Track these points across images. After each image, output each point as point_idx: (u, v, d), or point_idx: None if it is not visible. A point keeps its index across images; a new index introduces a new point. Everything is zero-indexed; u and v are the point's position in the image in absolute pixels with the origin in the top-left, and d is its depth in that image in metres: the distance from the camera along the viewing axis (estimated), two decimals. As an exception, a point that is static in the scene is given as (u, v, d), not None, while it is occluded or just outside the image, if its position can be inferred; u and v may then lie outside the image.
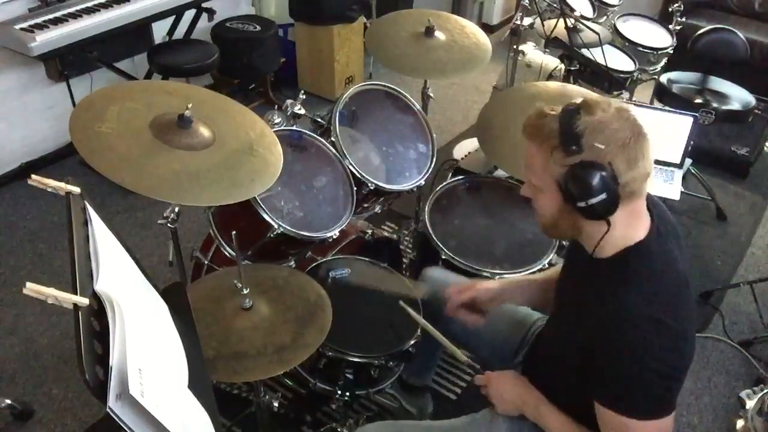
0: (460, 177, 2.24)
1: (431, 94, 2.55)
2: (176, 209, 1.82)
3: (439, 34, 2.33)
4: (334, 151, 1.97)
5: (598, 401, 1.19)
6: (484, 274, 1.88)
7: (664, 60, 3.28)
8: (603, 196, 1.10)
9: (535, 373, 1.45)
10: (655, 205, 1.24)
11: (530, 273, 1.89)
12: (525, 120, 1.20)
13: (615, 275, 1.17)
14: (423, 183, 2.17)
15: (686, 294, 1.19)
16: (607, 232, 1.15)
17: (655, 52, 3.21)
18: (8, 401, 2.08)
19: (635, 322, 1.12)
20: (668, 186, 2.57)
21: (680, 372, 1.17)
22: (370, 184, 1.98)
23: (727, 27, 3.39)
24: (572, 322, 1.26)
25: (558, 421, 1.30)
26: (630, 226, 1.17)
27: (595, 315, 1.17)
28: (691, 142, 2.61)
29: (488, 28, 4.85)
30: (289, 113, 2.03)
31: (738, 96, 3.22)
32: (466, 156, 2.88)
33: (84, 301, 0.83)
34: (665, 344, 1.12)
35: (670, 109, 2.73)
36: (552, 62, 3.10)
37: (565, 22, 2.68)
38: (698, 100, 3.12)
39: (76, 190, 1.06)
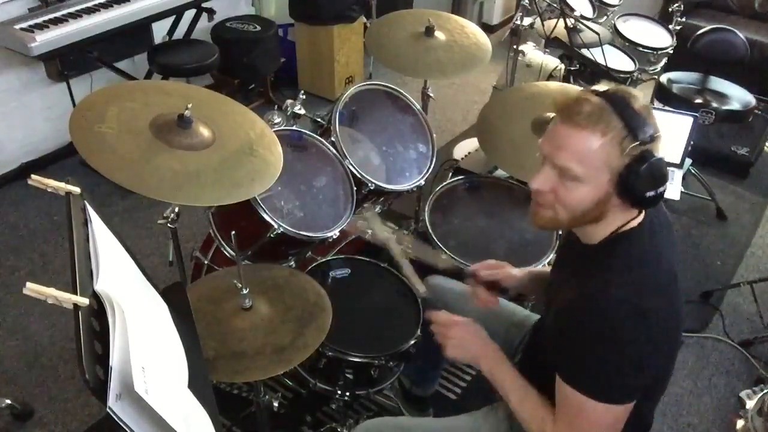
0: (460, 177, 2.24)
1: (431, 94, 2.55)
2: (176, 209, 1.82)
3: (439, 34, 2.33)
4: (334, 151, 1.97)
5: (561, 375, 1.18)
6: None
7: (664, 60, 3.28)
8: (667, 185, 1.10)
9: (530, 370, 1.45)
10: None
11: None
12: (568, 108, 1.10)
13: (603, 259, 1.17)
14: (423, 183, 2.17)
15: (673, 289, 1.18)
16: (635, 218, 1.16)
17: (655, 52, 3.21)
18: (8, 401, 2.08)
19: (615, 304, 1.11)
20: (668, 186, 2.57)
21: (650, 363, 1.15)
22: (370, 184, 1.98)
23: (727, 27, 3.40)
24: (557, 307, 1.26)
25: (514, 381, 1.31)
26: (627, 216, 1.17)
27: (576, 292, 1.17)
28: (691, 142, 2.61)
29: (488, 28, 4.85)
30: (289, 113, 2.03)
31: (738, 96, 3.22)
32: (466, 156, 2.88)
33: (84, 301, 0.83)
34: (640, 330, 1.11)
35: (670, 109, 2.73)
36: (552, 62, 3.10)
37: (565, 22, 2.68)
38: (698, 100, 3.12)
39: (76, 190, 1.06)
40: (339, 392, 1.72)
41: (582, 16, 2.97)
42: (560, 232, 1.96)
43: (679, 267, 1.22)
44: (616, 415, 1.16)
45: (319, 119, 2.08)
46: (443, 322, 1.43)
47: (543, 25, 2.97)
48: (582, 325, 1.14)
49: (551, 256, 1.95)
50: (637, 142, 1.07)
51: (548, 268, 1.67)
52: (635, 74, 3.09)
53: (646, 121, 1.08)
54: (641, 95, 1.12)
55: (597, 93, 1.11)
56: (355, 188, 1.95)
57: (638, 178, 1.08)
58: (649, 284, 1.14)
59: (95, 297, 0.89)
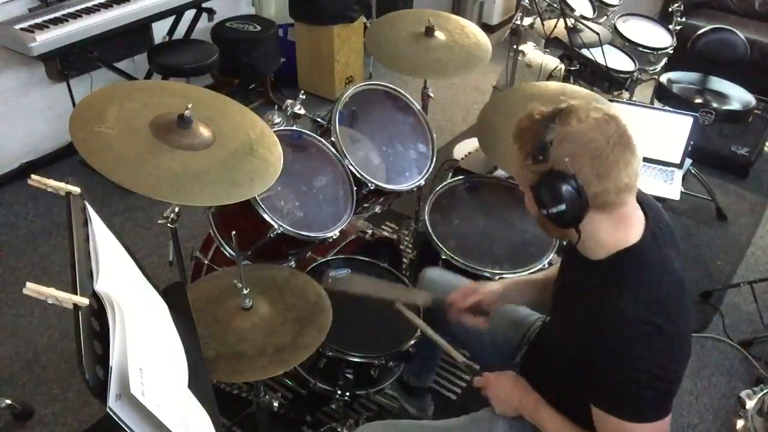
0: (460, 177, 2.24)
1: (431, 94, 2.55)
2: (176, 209, 1.82)
3: (439, 34, 2.33)
4: (334, 151, 1.97)
5: (593, 403, 1.19)
6: (485, 274, 1.88)
7: (664, 60, 3.29)
8: (563, 206, 1.11)
9: (532, 373, 1.45)
10: (650, 206, 1.24)
11: (530, 273, 1.89)
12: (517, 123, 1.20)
13: (609, 278, 1.17)
14: (423, 183, 2.17)
15: (682, 296, 1.19)
16: (578, 240, 1.17)
17: (655, 52, 3.21)
18: (8, 401, 2.08)
19: (628, 325, 1.12)
20: (668, 186, 2.57)
21: (675, 374, 1.16)
22: (370, 184, 1.98)
23: (727, 27, 3.39)
24: (567, 323, 1.27)
25: (556, 423, 1.30)
26: (619, 231, 1.17)
27: (588, 317, 1.18)
28: (691, 142, 2.61)
29: (488, 28, 4.85)
30: (289, 113, 2.03)
31: (738, 96, 3.22)
32: (466, 156, 2.88)
33: (84, 301, 0.83)
34: (658, 347, 1.12)
35: (670, 109, 2.73)
36: (552, 62, 3.10)
37: (565, 22, 2.69)
38: (698, 100, 3.12)
39: (76, 190, 1.06)
40: (339, 392, 1.72)
41: (582, 16, 2.97)
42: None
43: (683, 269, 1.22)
44: (661, 427, 1.17)
45: (319, 119, 2.08)
46: (481, 384, 1.44)
47: (543, 25, 2.98)
48: (601, 351, 1.14)
49: (551, 256, 1.95)
50: (533, 161, 1.13)
51: (533, 276, 1.67)
52: (635, 74, 3.09)
53: (552, 143, 1.10)
54: (588, 116, 1.11)
55: (547, 112, 1.15)
56: (355, 188, 1.95)
57: (537, 194, 1.14)
58: (660, 299, 1.15)
59: (95, 297, 0.89)
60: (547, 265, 1.93)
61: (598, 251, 1.19)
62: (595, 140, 1.10)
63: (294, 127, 1.95)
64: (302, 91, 2.16)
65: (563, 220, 1.14)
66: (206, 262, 2.00)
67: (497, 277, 1.86)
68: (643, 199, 1.22)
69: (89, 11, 2.76)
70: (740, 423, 2.05)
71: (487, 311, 1.58)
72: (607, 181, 1.10)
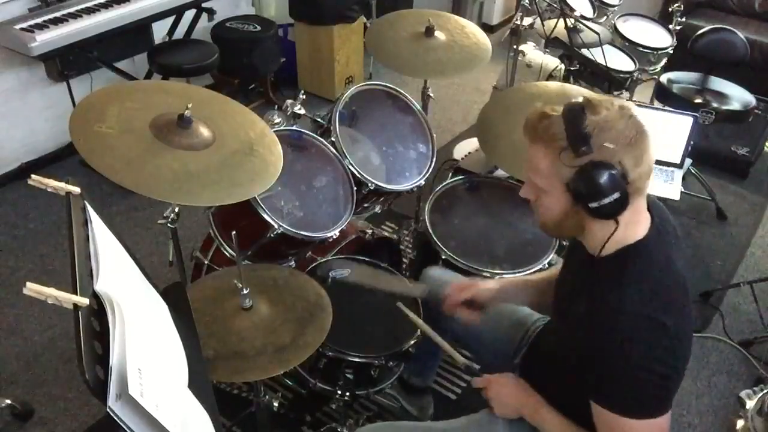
0: (460, 177, 2.24)
1: (431, 94, 2.55)
2: (176, 209, 1.82)
3: (439, 34, 2.33)
4: (334, 151, 1.97)
5: (593, 399, 1.19)
6: (484, 274, 1.88)
7: (664, 60, 3.28)
8: (616, 195, 1.09)
9: (533, 373, 1.45)
10: (654, 205, 1.24)
11: (530, 273, 1.89)
12: (526, 122, 1.18)
13: (614, 273, 1.17)
14: (423, 183, 2.17)
15: (684, 294, 1.20)
16: (615, 231, 1.15)
17: (655, 52, 3.21)
18: (8, 401, 2.08)
19: (631, 319, 1.12)
20: (668, 186, 2.57)
21: (676, 371, 1.16)
22: (370, 184, 1.98)
23: (727, 27, 3.39)
24: (570, 320, 1.26)
25: (557, 423, 1.30)
26: (631, 225, 1.17)
27: (591, 312, 1.17)
28: (691, 142, 2.61)
29: (488, 28, 4.85)
30: (289, 113, 2.03)
31: (738, 96, 3.22)
32: (466, 156, 2.88)
33: (84, 301, 0.83)
34: (661, 343, 1.12)
35: (670, 109, 2.73)
36: (552, 62, 3.11)
37: (565, 22, 2.68)
38: (698, 100, 3.12)
39: (76, 190, 1.06)
40: (339, 392, 1.72)
41: (582, 16, 2.97)
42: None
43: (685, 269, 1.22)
44: (660, 424, 1.16)
45: (319, 119, 2.08)
46: (481, 385, 1.44)
47: (543, 25, 2.98)
48: (601, 345, 1.14)
49: (551, 256, 1.95)
50: (575, 154, 1.10)
51: (530, 277, 1.67)
52: (635, 74, 3.09)
53: (592, 132, 1.09)
54: (612, 105, 1.12)
55: (565, 106, 1.14)
56: (355, 188, 1.95)
57: (581, 189, 1.11)
58: (662, 295, 1.15)
59: (95, 297, 0.89)
60: (547, 265, 1.93)
61: (608, 246, 1.18)
62: (627, 127, 1.10)
63: (294, 127, 1.95)
64: (302, 91, 2.16)
65: (609, 211, 1.12)
66: (206, 262, 2.00)
67: (497, 277, 1.86)
68: (648, 198, 1.22)
69: (89, 11, 2.76)
70: (740, 423, 2.04)
71: (482, 307, 1.58)
72: (641, 166, 1.11)
